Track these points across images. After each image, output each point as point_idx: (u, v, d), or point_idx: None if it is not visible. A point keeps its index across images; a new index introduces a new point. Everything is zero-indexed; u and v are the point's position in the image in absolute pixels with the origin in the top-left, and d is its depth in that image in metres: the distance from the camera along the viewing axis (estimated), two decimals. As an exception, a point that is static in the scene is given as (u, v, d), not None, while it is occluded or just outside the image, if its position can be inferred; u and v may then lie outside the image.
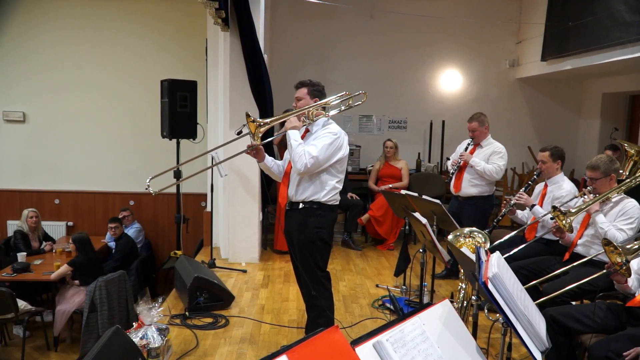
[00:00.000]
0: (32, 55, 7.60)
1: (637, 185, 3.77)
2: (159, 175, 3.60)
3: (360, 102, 3.61)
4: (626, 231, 3.50)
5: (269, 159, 3.62)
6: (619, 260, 2.75)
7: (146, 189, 3.39)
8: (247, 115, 3.22)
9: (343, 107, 3.58)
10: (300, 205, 3.46)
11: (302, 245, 3.46)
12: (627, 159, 5.23)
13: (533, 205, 4.33)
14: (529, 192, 4.55)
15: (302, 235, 3.45)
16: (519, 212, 4.52)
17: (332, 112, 3.52)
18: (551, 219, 3.76)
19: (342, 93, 3.54)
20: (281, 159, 3.81)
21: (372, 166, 7.35)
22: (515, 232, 4.40)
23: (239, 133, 3.57)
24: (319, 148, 3.29)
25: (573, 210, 3.57)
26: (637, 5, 5.20)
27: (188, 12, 7.40)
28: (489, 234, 4.38)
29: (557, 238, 4.22)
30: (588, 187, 3.73)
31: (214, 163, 5.02)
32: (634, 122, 7.54)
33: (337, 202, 3.55)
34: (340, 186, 3.52)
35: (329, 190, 3.43)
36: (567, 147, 4.54)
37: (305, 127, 3.50)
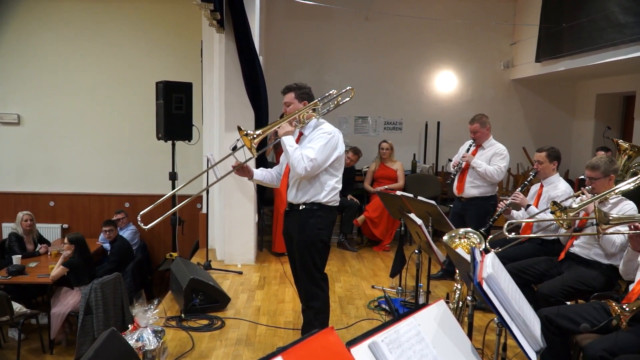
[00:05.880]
0: (27, 57, 7.59)
1: (636, 188, 3.75)
2: (150, 208, 3.47)
3: (348, 99, 3.57)
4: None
5: (258, 173, 3.60)
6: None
7: (139, 224, 3.33)
8: (239, 129, 3.20)
9: (332, 106, 3.55)
10: (301, 207, 3.45)
11: (302, 246, 3.45)
12: (620, 154, 5.27)
13: (528, 205, 4.34)
14: (525, 193, 4.56)
15: (302, 236, 3.44)
16: (514, 212, 4.53)
17: (323, 112, 3.50)
18: (551, 212, 3.75)
19: (330, 92, 3.52)
20: (277, 163, 3.81)
21: (367, 167, 7.36)
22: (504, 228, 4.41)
23: (234, 148, 3.55)
24: (316, 150, 3.28)
25: (575, 206, 3.56)
26: (631, 6, 5.23)
27: (183, 14, 7.40)
28: (486, 232, 4.40)
29: (552, 238, 4.24)
30: (586, 187, 3.72)
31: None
32: (627, 123, 7.58)
33: (337, 203, 3.53)
34: (339, 186, 3.51)
35: (329, 190, 3.42)
36: (561, 148, 4.55)
37: (298, 130, 3.47)
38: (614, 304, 2.48)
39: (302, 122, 3.43)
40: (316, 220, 3.43)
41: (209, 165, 5.08)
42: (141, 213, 3.37)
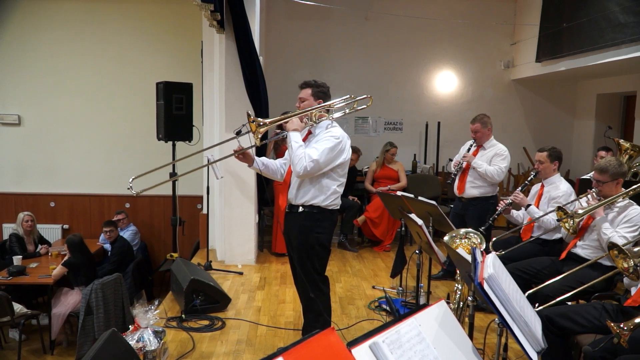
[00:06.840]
0: (27, 58, 7.59)
1: None
2: (143, 175, 3.53)
3: (365, 106, 3.53)
4: (628, 238, 3.45)
5: (258, 161, 3.54)
6: (625, 265, 2.72)
7: (128, 189, 3.32)
8: (248, 115, 3.15)
9: (347, 110, 3.50)
10: (300, 209, 3.41)
11: (301, 249, 3.43)
12: (621, 154, 5.26)
13: (528, 205, 4.34)
14: (526, 192, 4.56)
15: (301, 239, 3.41)
16: (514, 211, 4.53)
17: (336, 115, 3.43)
18: (557, 220, 3.73)
19: (347, 96, 3.46)
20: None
21: (367, 167, 7.36)
22: (510, 231, 4.41)
23: (238, 132, 3.51)
24: (319, 151, 3.22)
25: (580, 212, 3.55)
26: (631, 6, 5.23)
27: (183, 15, 7.40)
28: (486, 231, 4.39)
29: (553, 238, 4.24)
30: (593, 189, 3.69)
31: (209, 162, 5.03)
32: (628, 123, 7.57)
33: (338, 207, 3.48)
34: (341, 190, 3.46)
35: (329, 194, 3.37)
36: (562, 148, 4.55)
37: (307, 128, 3.43)
38: (612, 324, 2.48)
39: (314, 121, 3.38)
40: (315, 223, 3.39)
41: (209, 162, 5.06)
42: (133, 177, 3.36)
